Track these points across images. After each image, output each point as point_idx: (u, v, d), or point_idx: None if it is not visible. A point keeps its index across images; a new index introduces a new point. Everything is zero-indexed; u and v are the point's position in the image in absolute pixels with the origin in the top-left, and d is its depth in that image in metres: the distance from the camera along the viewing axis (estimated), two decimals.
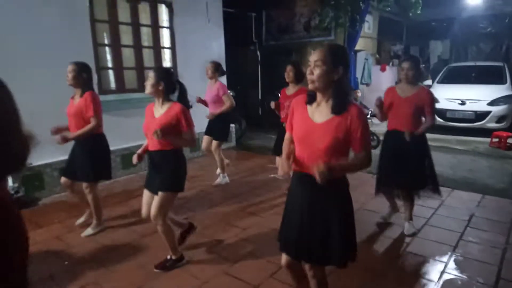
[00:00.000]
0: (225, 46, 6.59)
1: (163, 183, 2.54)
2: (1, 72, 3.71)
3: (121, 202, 4.18)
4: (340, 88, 1.67)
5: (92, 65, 4.64)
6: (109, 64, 5.03)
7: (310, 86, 1.69)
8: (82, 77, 3.10)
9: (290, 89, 3.85)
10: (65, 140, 3.00)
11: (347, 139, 1.67)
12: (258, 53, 9.37)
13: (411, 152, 3.07)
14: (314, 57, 1.65)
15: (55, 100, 3.61)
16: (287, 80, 3.83)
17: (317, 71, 1.64)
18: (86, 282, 2.58)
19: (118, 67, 5.07)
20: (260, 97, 9.44)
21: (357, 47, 8.50)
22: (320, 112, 1.72)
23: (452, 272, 2.64)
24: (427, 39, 13.15)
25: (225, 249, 3.05)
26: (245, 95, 9.23)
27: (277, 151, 3.77)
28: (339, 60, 1.65)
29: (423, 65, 12.41)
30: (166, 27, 5.63)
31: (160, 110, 2.54)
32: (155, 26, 5.48)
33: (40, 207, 4.01)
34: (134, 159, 2.56)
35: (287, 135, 1.90)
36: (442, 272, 2.64)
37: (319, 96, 1.73)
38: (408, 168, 3.09)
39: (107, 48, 5.01)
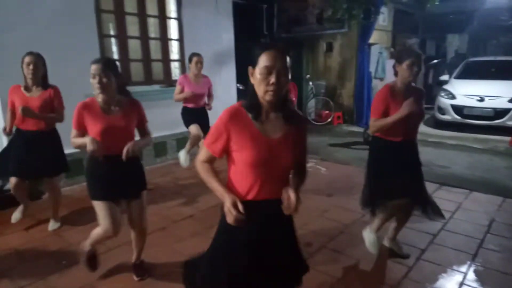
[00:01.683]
0: (234, 39, 6.41)
1: (141, 181, 2.42)
2: (3, 63, 3.64)
3: None
4: (287, 95, 1.49)
5: (97, 56, 4.56)
6: (115, 56, 4.90)
7: (272, 98, 1.38)
8: (44, 68, 3.04)
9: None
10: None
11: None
12: None
13: (417, 162, 2.66)
14: (278, 63, 1.35)
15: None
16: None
17: (283, 79, 1.37)
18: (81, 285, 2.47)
19: (124, 59, 4.94)
20: None
21: (371, 40, 8.24)
22: (272, 126, 1.46)
23: (471, 285, 2.46)
24: (444, 33, 12.73)
25: None
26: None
27: None
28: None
29: (439, 59, 12.07)
30: (174, 18, 5.47)
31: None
32: (163, 17, 5.32)
33: (43, 200, 3.93)
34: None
35: (204, 156, 1.53)
36: (461, 284, 2.46)
37: (268, 107, 1.44)
38: (419, 179, 2.66)
39: (113, 40, 4.88)
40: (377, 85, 9.59)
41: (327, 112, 8.71)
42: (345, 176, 4.82)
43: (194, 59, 4.25)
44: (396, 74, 2.48)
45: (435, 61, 11.98)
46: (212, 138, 1.49)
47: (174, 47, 5.54)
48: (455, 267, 2.65)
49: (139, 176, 2.42)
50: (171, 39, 5.48)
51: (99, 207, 2.23)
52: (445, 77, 8.80)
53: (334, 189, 4.27)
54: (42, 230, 3.28)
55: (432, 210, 2.62)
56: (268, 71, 1.36)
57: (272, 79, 1.36)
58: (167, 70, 5.46)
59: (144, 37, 5.12)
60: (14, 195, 3.22)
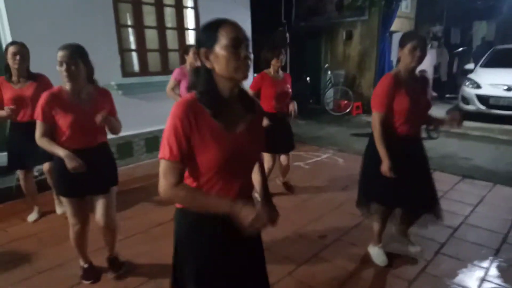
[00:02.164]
0: (252, 29, 6.33)
1: (111, 176, 2.31)
2: None
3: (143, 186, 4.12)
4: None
5: (115, 47, 4.60)
6: (132, 46, 4.93)
7: (246, 76, 1.19)
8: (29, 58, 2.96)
9: (278, 75, 3.47)
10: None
11: None
12: (287, 35, 9.02)
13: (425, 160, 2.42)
14: (243, 34, 1.18)
15: None
16: (280, 65, 3.42)
17: (251, 54, 1.23)
18: None
19: (142, 49, 4.96)
20: None
21: (393, 28, 8.00)
22: (233, 117, 1.23)
23: (494, 281, 2.36)
24: (470, 20, 12.20)
25: None
26: None
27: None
28: None
29: (464, 48, 11.59)
30: (191, 7, 5.44)
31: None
32: (179, 6, 5.30)
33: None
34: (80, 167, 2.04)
35: (174, 175, 1.19)
36: (482, 280, 2.37)
37: (229, 95, 1.23)
38: (427, 180, 2.41)
39: (130, 29, 4.89)
40: None
41: (346, 102, 8.55)
42: None
43: (192, 50, 3.78)
44: (399, 60, 2.26)
45: (460, 49, 11.53)
46: (168, 146, 1.17)
47: (190, 37, 5.52)
48: (476, 262, 2.55)
49: (110, 171, 2.31)
50: (188, 29, 5.46)
51: (65, 203, 2.22)
52: (470, 66, 8.46)
53: (352, 181, 4.16)
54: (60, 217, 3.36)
55: (437, 213, 2.39)
56: (237, 43, 1.15)
57: (244, 52, 1.16)
58: (184, 60, 5.44)
59: (161, 27, 5.12)
60: (23, 188, 3.24)
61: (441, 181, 3.57)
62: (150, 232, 3.07)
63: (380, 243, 2.60)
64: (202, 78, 1.21)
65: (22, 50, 2.87)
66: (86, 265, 2.42)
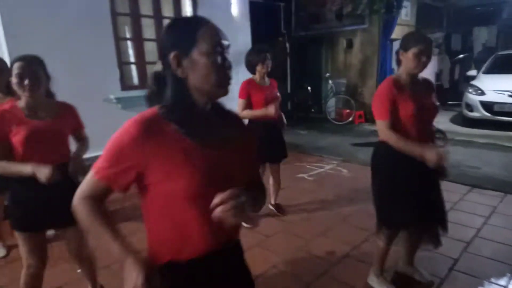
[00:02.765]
0: (251, 38, 6.29)
1: None
2: None
3: None
4: None
5: (114, 60, 4.54)
6: (131, 59, 4.87)
7: (226, 93, 1.00)
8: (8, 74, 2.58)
9: (265, 81, 3.32)
10: None
11: None
12: (287, 44, 8.99)
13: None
14: (226, 38, 0.98)
15: (73, 98, 3.47)
16: (266, 71, 3.24)
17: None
18: None
19: (141, 62, 4.90)
20: (289, 91, 9.08)
21: (393, 36, 7.94)
22: (209, 133, 0.99)
23: None
24: (471, 26, 12.15)
25: None
26: None
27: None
28: None
29: (465, 54, 11.54)
30: None
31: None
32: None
33: None
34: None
35: (91, 189, 0.99)
36: None
37: (205, 107, 1.01)
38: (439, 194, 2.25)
39: (128, 42, 4.84)
40: None
41: (348, 111, 8.46)
42: (368, 178, 4.57)
43: None
44: (398, 62, 2.04)
45: (461, 55, 11.48)
46: (108, 161, 0.94)
47: None
48: (493, 280, 2.42)
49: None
50: None
51: (22, 239, 1.87)
52: (472, 72, 8.38)
53: (357, 193, 4.07)
54: None
55: (444, 226, 2.22)
56: (222, 49, 0.95)
57: (228, 62, 0.97)
58: None
59: (160, 39, 5.06)
60: None
61: (449, 191, 3.45)
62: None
63: (383, 273, 2.36)
64: (171, 89, 0.96)
65: (1, 65, 2.56)
66: None
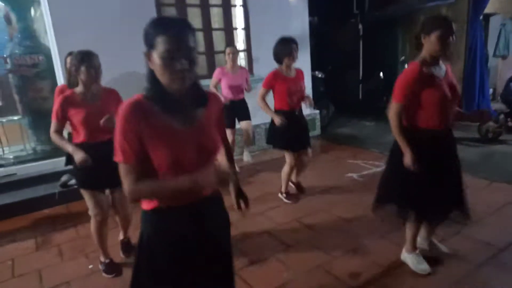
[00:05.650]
0: (318, 20, 5.78)
1: None
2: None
3: None
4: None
5: None
6: None
7: (179, 88, 1.16)
8: None
9: (291, 72, 3.32)
10: None
11: None
12: (360, 26, 8.20)
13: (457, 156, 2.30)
14: (182, 43, 1.14)
15: (121, 90, 3.52)
16: (293, 61, 3.23)
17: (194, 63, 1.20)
18: None
19: None
20: (361, 78, 8.31)
21: (490, 10, 6.66)
22: (184, 112, 1.22)
23: None
24: None
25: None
26: (342, 76, 8.21)
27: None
28: None
29: None
30: (240, 6, 5.16)
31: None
32: (227, 6, 5.06)
33: None
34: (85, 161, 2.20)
35: (132, 175, 1.18)
36: None
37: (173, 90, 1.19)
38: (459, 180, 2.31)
39: None
40: (498, 65, 7.84)
41: None
42: None
43: (227, 50, 4.24)
44: (418, 47, 2.11)
45: None
46: (121, 149, 1.17)
47: (239, 37, 5.25)
48: None
49: None
50: (236, 28, 5.19)
51: (86, 195, 2.41)
52: None
53: None
54: None
55: (465, 212, 2.29)
56: (172, 55, 1.14)
57: (180, 65, 1.15)
58: None
59: (207, 29, 4.94)
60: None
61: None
62: None
63: (417, 249, 2.45)
64: (146, 76, 1.19)
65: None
66: (107, 260, 2.59)
